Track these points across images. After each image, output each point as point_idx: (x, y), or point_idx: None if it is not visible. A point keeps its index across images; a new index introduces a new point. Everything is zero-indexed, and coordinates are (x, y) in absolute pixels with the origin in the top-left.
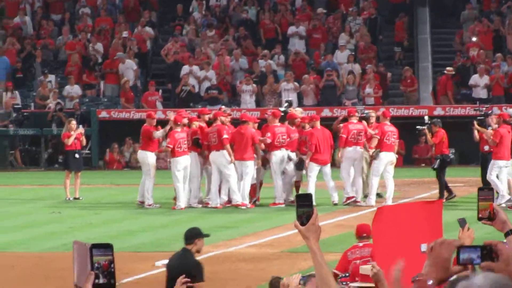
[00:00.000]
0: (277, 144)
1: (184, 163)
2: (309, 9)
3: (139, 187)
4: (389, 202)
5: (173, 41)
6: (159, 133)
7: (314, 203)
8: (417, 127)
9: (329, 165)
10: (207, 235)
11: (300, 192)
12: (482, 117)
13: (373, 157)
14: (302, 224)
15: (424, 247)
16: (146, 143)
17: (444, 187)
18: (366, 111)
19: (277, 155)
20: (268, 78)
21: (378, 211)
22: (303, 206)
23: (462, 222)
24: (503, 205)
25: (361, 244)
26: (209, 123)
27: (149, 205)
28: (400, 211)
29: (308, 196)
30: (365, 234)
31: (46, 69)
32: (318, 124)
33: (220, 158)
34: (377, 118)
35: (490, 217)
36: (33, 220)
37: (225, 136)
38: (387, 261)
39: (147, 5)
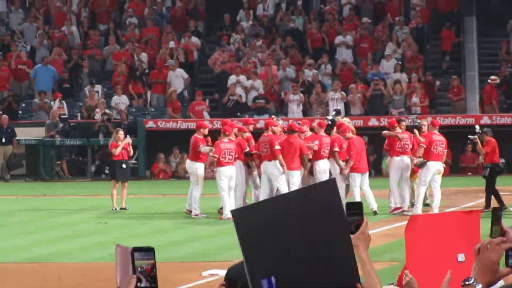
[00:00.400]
0: (322, 154)
1: (229, 173)
2: (356, 19)
3: (187, 196)
4: (436, 211)
5: (220, 50)
6: (205, 148)
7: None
8: (469, 136)
9: (367, 173)
10: None
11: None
12: None
13: (417, 166)
14: (352, 232)
15: (461, 257)
16: (195, 154)
17: (490, 196)
18: (418, 120)
19: (320, 165)
20: (315, 87)
21: (411, 219)
22: (354, 214)
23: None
24: None
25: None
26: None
27: (196, 215)
28: (434, 220)
29: (359, 204)
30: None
31: (93, 79)
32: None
33: (272, 168)
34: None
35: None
36: (79, 231)
37: (277, 147)
38: (421, 270)
39: (194, 14)
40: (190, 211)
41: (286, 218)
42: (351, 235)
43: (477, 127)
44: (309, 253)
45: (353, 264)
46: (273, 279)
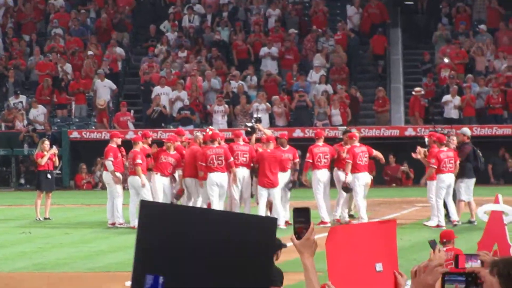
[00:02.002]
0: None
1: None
2: (282, 30)
3: (107, 208)
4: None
5: (146, 61)
6: (109, 165)
7: (310, 218)
8: (418, 147)
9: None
10: (285, 246)
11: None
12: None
13: (346, 184)
14: (298, 238)
15: (379, 267)
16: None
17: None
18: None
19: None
20: (241, 98)
21: (331, 230)
22: (300, 221)
23: (432, 244)
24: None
25: (444, 249)
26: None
27: (120, 224)
28: (354, 230)
29: (306, 211)
30: (445, 240)
31: (17, 89)
32: (271, 145)
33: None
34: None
35: None
36: (3, 240)
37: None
38: (342, 280)
39: (120, 26)
40: (113, 223)
41: (200, 233)
42: (297, 241)
43: (427, 139)
44: (209, 274)
45: None
46: (161, 279)
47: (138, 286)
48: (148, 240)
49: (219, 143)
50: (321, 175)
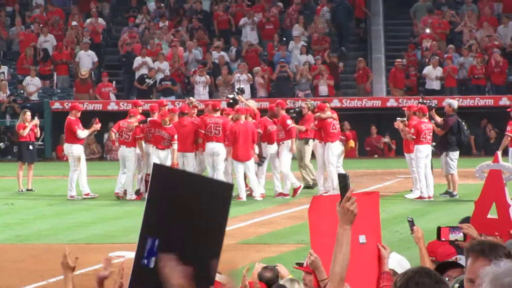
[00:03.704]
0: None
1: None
2: (263, 0)
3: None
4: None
5: (127, 32)
6: (82, 133)
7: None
8: (397, 118)
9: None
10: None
11: None
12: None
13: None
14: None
15: (362, 239)
16: (70, 136)
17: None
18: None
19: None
20: (222, 69)
21: (313, 200)
22: (340, 187)
23: (410, 224)
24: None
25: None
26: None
27: (86, 194)
28: (336, 201)
29: (343, 177)
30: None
31: None
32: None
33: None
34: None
35: None
36: None
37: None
38: (325, 249)
39: None
40: (87, 194)
41: (192, 197)
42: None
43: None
44: (188, 237)
45: (209, 271)
46: (157, 242)
47: (141, 247)
48: (153, 202)
49: (221, 114)
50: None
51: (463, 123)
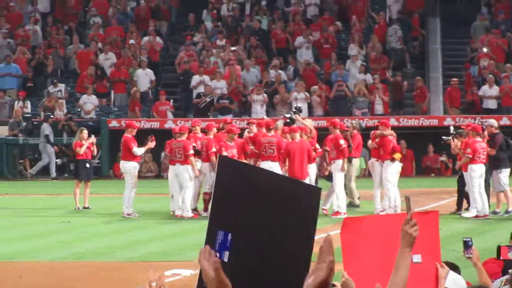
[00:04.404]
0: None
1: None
2: (321, 19)
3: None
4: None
5: (184, 50)
6: (138, 151)
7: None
8: (443, 137)
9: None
10: None
11: None
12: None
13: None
14: None
15: (416, 258)
16: (127, 154)
17: (462, 196)
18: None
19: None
20: (279, 88)
21: (345, 221)
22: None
23: (466, 245)
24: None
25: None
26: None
27: (128, 214)
28: (372, 221)
29: (406, 199)
30: None
31: (54, 78)
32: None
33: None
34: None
35: None
36: (42, 230)
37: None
38: (357, 271)
39: (159, 14)
40: (129, 214)
41: (265, 194)
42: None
43: (452, 127)
44: (266, 237)
45: (301, 276)
46: (229, 236)
47: (211, 240)
48: (222, 195)
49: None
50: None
51: (509, 140)
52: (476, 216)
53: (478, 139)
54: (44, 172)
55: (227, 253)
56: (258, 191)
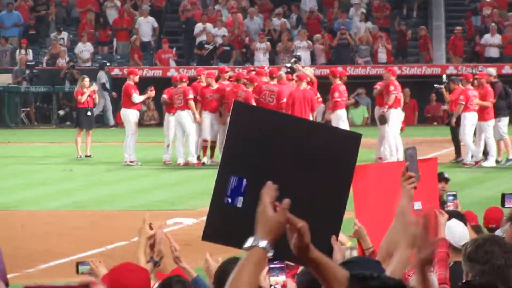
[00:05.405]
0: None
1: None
2: None
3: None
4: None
5: None
6: (137, 98)
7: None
8: (435, 85)
9: None
10: None
11: None
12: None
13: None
14: None
15: (417, 205)
16: (127, 101)
17: (459, 145)
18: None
19: None
20: (282, 36)
21: (356, 169)
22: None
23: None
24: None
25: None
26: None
27: (131, 161)
28: (382, 169)
29: (405, 151)
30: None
31: (60, 26)
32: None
33: None
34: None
35: None
36: (44, 178)
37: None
38: (369, 218)
39: None
40: (132, 162)
41: (285, 138)
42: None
43: (444, 76)
44: (294, 185)
45: (338, 220)
46: (244, 181)
47: (222, 186)
48: (236, 141)
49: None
50: None
51: (508, 88)
52: (476, 162)
53: (470, 87)
54: (46, 120)
55: (241, 198)
56: (284, 137)
